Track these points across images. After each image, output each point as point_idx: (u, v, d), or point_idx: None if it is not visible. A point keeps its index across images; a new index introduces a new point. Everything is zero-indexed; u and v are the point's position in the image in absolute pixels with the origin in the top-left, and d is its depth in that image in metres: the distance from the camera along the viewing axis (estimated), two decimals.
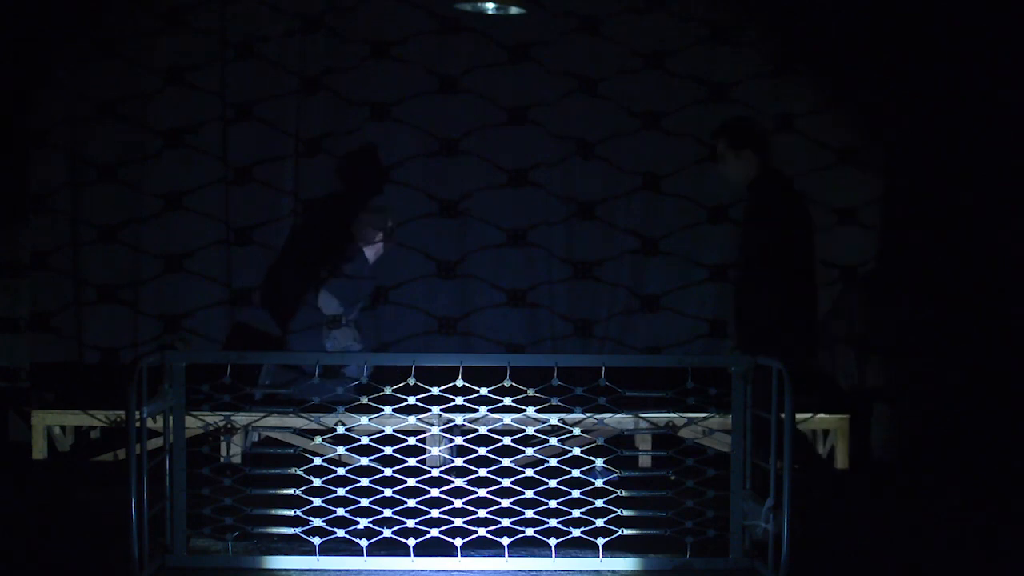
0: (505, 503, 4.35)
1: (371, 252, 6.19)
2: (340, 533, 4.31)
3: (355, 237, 6.18)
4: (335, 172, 6.71)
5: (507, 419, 4.41)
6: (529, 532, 4.34)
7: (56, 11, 6.57)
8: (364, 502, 4.31)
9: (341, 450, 4.40)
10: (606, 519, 4.34)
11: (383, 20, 6.67)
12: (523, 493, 4.36)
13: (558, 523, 4.35)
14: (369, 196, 6.57)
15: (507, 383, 4.31)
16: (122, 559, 3.95)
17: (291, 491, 4.33)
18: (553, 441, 4.40)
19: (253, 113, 6.66)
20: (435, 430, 5.14)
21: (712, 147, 5.10)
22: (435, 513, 4.34)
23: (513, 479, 4.36)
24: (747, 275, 4.83)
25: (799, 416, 5.61)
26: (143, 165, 6.65)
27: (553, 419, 4.44)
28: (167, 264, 6.67)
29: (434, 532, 4.33)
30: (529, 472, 4.38)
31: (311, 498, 4.30)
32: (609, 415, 4.77)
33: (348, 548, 4.32)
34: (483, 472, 4.40)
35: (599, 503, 4.33)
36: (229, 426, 4.89)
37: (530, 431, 4.40)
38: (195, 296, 6.67)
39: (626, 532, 4.35)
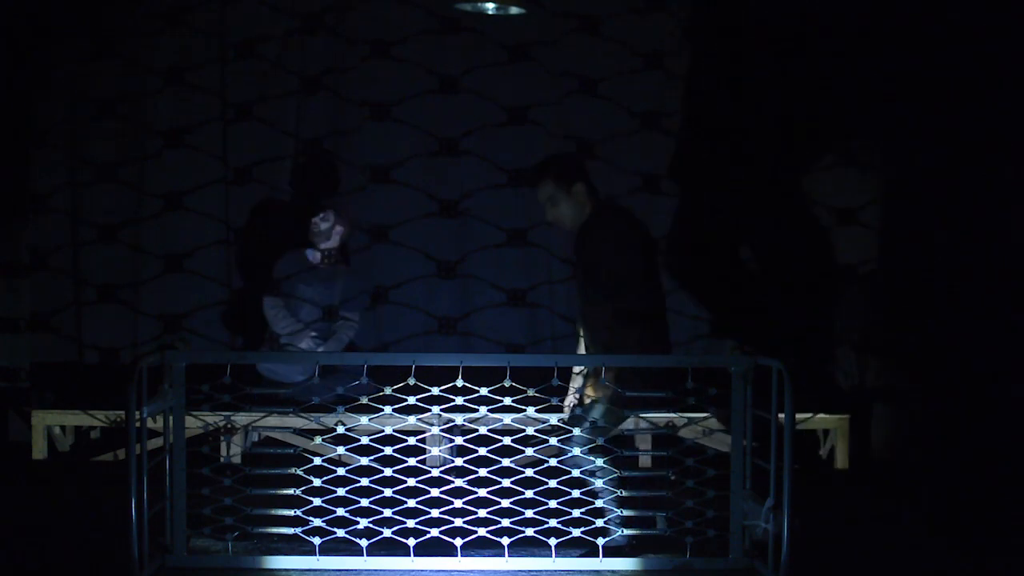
0: (505, 503, 4.35)
1: (315, 256, 6.20)
2: (340, 533, 4.31)
3: (312, 241, 6.20)
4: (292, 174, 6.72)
5: (507, 419, 4.41)
6: (529, 532, 4.35)
7: (56, 11, 6.57)
8: (364, 502, 4.31)
9: (341, 450, 4.40)
10: (606, 519, 4.34)
11: (383, 20, 6.67)
12: (523, 493, 4.36)
13: (558, 523, 4.35)
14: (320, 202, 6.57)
15: (507, 383, 4.32)
16: (122, 559, 3.95)
17: (291, 491, 4.33)
18: (553, 441, 4.40)
19: (253, 113, 6.66)
20: (435, 430, 5.14)
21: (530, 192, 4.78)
22: (435, 513, 4.34)
23: (513, 479, 4.37)
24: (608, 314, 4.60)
25: (799, 416, 5.61)
26: (143, 165, 6.65)
27: (553, 419, 4.44)
28: (167, 264, 6.67)
29: (434, 532, 4.33)
30: (529, 472, 4.38)
31: (311, 498, 4.30)
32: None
33: (348, 548, 4.33)
34: (483, 472, 4.40)
35: (599, 503, 4.34)
36: (229, 426, 4.89)
37: (530, 431, 4.40)
38: (195, 296, 6.67)
39: (626, 532, 4.36)
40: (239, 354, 5.71)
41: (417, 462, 4.39)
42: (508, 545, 4.31)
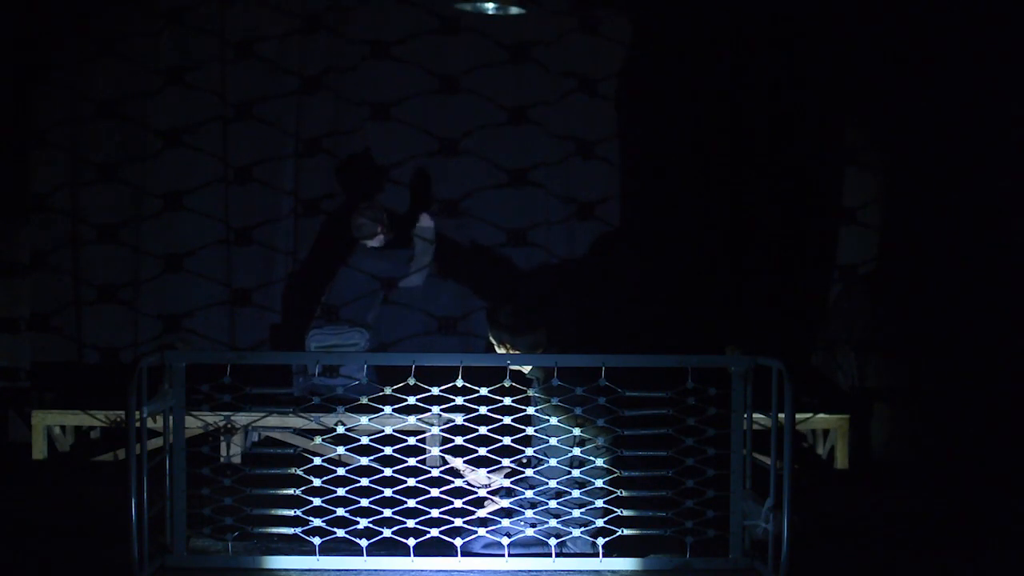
0: (505, 503, 4.35)
1: (375, 243, 6.21)
2: (340, 533, 4.31)
3: (354, 234, 6.19)
4: (334, 173, 6.72)
5: (507, 419, 4.40)
6: (529, 532, 4.35)
7: (56, 11, 6.56)
8: (364, 502, 4.31)
9: (341, 450, 4.40)
10: (606, 519, 4.34)
11: (383, 20, 6.67)
12: (523, 493, 4.36)
13: (558, 523, 4.35)
14: (363, 196, 6.57)
15: (507, 383, 4.31)
16: (122, 559, 3.95)
17: (291, 491, 4.33)
18: (553, 441, 4.39)
19: (253, 113, 6.66)
20: (435, 430, 5.14)
21: None
22: (435, 513, 4.34)
23: (513, 479, 4.37)
24: None
25: (799, 416, 5.61)
26: (143, 165, 6.66)
27: (553, 420, 4.43)
28: (167, 264, 6.67)
29: (434, 532, 4.33)
30: (528, 472, 4.38)
31: (311, 498, 4.30)
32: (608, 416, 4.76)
33: (348, 548, 4.33)
34: (483, 472, 4.40)
35: (599, 503, 4.34)
36: (229, 426, 4.89)
37: (530, 431, 4.40)
38: (195, 296, 6.67)
39: (626, 532, 4.36)
40: (239, 354, 5.70)
41: (417, 462, 4.38)
42: (508, 545, 4.31)
